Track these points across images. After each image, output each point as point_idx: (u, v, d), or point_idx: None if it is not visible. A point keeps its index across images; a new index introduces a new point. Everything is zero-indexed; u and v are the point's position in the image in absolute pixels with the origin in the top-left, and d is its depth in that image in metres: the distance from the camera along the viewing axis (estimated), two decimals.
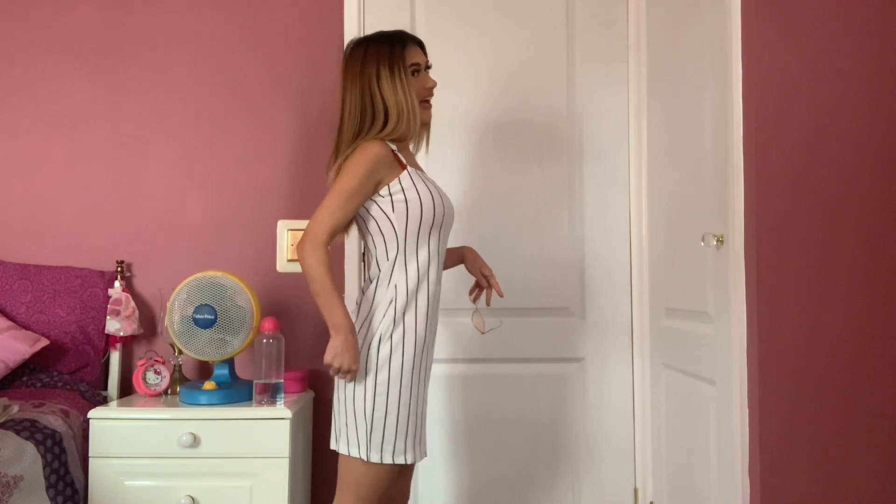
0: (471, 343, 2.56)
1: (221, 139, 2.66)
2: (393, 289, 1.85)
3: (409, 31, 2.60)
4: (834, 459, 1.74)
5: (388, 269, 1.86)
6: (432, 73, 2.05)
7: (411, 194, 1.84)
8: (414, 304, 1.85)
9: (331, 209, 1.80)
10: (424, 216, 1.84)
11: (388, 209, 1.85)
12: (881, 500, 1.74)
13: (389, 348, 1.83)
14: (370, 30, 2.61)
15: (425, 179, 1.89)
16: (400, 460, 1.84)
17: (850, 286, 1.75)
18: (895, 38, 1.77)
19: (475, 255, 2.12)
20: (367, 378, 1.83)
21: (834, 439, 1.74)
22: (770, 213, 1.75)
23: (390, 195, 1.84)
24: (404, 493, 2.03)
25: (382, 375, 1.82)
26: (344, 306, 1.79)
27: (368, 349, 1.84)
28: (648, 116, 2.55)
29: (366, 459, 1.82)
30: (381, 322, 1.84)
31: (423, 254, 1.87)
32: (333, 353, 1.78)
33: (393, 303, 1.84)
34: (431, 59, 2.12)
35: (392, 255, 1.86)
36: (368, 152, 1.82)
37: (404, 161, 1.87)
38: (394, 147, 1.88)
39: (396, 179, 1.84)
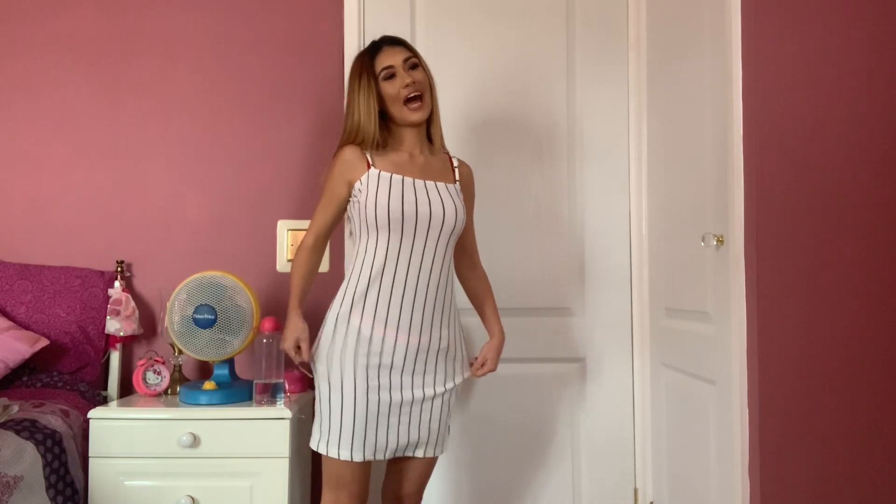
0: (470, 344, 2.56)
1: (221, 139, 2.66)
2: (347, 284, 1.94)
3: (408, 30, 2.63)
4: (834, 459, 1.74)
5: (352, 264, 1.96)
6: (433, 71, 2.03)
7: (367, 194, 1.90)
8: (362, 304, 1.90)
9: (314, 215, 1.99)
10: (377, 214, 1.88)
11: (354, 207, 1.94)
12: (882, 500, 1.74)
13: (330, 343, 1.90)
14: (370, 29, 2.62)
15: (394, 181, 1.90)
16: (346, 456, 1.87)
17: (850, 286, 1.75)
18: (895, 38, 1.77)
19: (495, 346, 2.12)
20: (318, 366, 1.92)
21: (834, 439, 1.74)
22: (770, 213, 1.75)
23: (356, 193, 1.92)
24: (409, 489, 2.03)
25: (322, 368, 1.90)
26: (297, 296, 1.93)
27: (319, 339, 1.94)
28: (648, 116, 2.55)
29: (315, 449, 1.91)
30: (330, 314, 1.93)
31: (379, 254, 1.90)
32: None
33: (342, 298, 1.92)
34: (431, 58, 2.12)
35: (356, 251, 1.96)
36: (334, 158, 1.96)
37: (371, 162, 1.92)
38: (367, 150, 1.93)
39: (361, 179, 1.91)
